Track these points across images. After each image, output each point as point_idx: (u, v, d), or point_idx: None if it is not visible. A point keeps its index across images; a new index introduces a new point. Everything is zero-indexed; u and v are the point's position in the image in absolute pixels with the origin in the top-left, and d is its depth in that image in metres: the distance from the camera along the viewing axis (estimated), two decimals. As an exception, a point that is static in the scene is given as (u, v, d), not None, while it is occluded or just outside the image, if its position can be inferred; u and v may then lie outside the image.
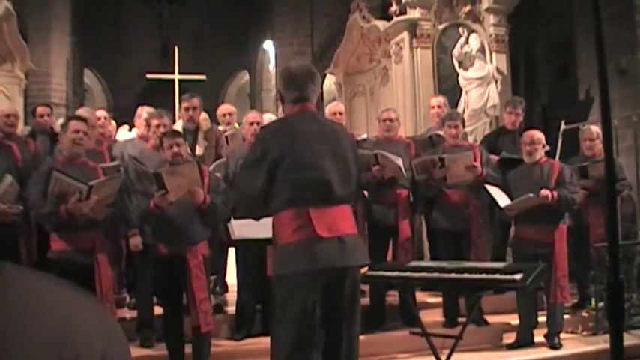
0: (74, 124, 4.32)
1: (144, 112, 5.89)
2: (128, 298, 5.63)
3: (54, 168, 4.20)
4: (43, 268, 4.56)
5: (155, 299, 4.98)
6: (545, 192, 4.92)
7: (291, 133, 2.88)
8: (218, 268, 5.75)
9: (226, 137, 5.71)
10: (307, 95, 2.97)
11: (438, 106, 6.56)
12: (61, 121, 7.05)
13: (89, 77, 17.54)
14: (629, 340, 4.77)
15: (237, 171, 4.48)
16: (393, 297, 5.53)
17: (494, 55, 7.73)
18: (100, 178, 4.23)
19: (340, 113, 6.15)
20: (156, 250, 4.35)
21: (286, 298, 2.72)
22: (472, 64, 7.60)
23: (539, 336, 5.15)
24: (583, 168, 5.74)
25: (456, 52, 7.61)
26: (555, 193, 4.94)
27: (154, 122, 5.11)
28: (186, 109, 5.57)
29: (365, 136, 6.41)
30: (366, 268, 4.55)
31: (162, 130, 5.00)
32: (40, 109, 6.37)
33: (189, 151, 4.99)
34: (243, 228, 4.49)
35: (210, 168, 4.95)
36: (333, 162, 2.85)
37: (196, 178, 4.29)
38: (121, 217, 4.50)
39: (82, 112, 6.06)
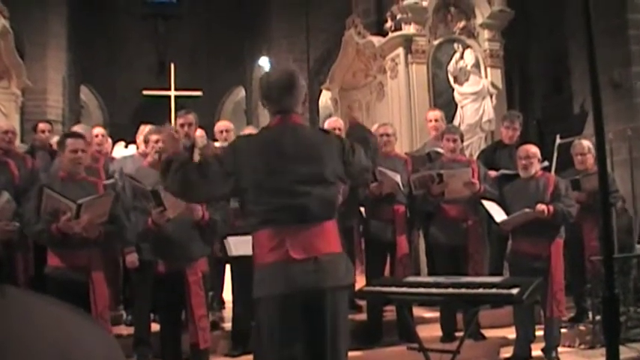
0: (71, 143, 4.29)
1: (147, 129, 5.88)
2: (125, 315, 5.60)
3: (45, 185, 4.19)
4: (40, 284, 4.55)
5: (152, 316, 4.97)
6: (541, 206, 4.92)
7: (266, 153, 2.71)
8: (215, 284, 5.74)
9: (223, 153, 5.69)
10: (286, 107, 2.80)
11: (435, 120, 6.57)
12: (56, 138, 7.09)
13: (85, 94, 17.55)
14: (626, 353, 4.77)
15: None
16: (390, 312, 5.52)
17: (489, 69, 7.77)
18: (93, 196, 4.19)
19: (339, 129, 6.16)
20: (155, 267, 4.33)
21: (263, 321, 2.63)
22: (467, 79, 7.64)
23: (536, 350, 5.14)
24: (575, 181, 5.75)
25: (451, 67, 7.64)
26: (552, 207, 4.95)
27: (153, 138, 5.09)
28: (182, 125, 5.55)
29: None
30: (363, 284, 4.57)
31: (161, 145, 4.99)
32: (42, 125, 6.57)
33: None
34: (239, 245, 4.49)
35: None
36: (312, 182, 2.68)
37: None
38: (118, 235, 4.47)
39: (77, 129, 6.07)
